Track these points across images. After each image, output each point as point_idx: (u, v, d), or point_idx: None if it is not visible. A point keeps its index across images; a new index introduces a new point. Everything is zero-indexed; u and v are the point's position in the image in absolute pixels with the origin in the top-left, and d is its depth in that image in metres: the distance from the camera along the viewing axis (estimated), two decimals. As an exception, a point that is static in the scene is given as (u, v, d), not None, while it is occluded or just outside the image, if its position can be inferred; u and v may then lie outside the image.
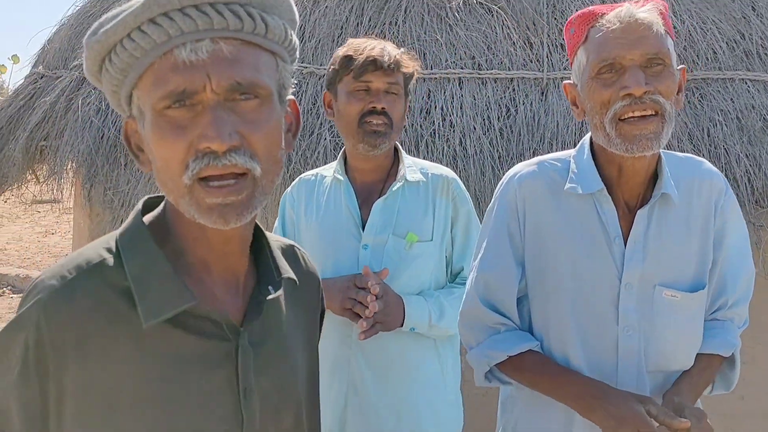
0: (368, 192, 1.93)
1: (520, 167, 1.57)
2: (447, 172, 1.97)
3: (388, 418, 1.85)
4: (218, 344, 0.95)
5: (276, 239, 1.13)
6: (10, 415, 0.90)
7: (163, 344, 0.92)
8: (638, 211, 1.46)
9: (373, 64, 1.80)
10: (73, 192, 4.17)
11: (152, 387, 0.91)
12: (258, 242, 1.05)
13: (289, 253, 1.13)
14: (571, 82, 1.49)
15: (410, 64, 1.88)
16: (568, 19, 1.49)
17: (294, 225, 2.01)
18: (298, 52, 1.01)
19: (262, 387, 0.98)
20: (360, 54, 1.82)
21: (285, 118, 0.99)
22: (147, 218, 1.00)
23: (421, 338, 1.88)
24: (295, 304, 1.09)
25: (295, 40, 0.98)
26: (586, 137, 1.54)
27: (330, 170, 1.99)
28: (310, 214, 1.97)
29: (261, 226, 1.07)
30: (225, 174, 0.88)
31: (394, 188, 1.89)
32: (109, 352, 0.90)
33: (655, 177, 1.47)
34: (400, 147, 1.98)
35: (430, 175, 1.94)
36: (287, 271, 1.04)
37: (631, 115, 1.35)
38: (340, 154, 1.99)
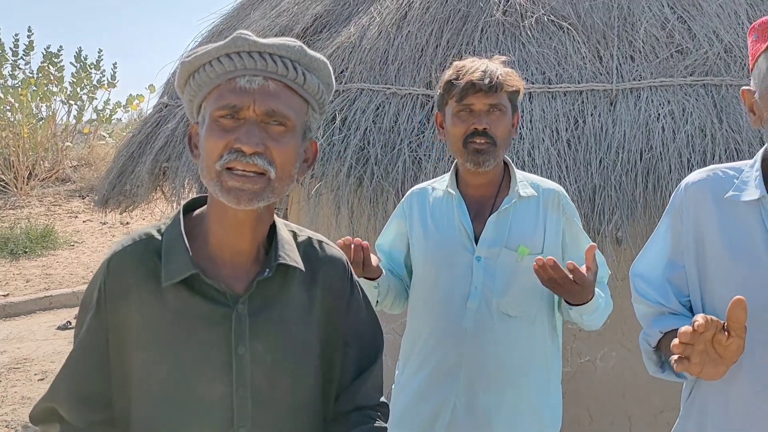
0: (479, 206, 2.00)
1: (693, 174, 1.61)
2: (556, 186, 2.04)
3: (498, 422, 1.94)
4: (219, 308, 1.26)
5: (300, 235, 1.41)
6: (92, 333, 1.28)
7: (178, 300, 1.25)
8: None
9: (474, 87, 1.87)
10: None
11: (166, 330, 1.24)
12: (272, 236, 1.34)
13: (305, 245, 1.40)
14: (749, 88, 1.48)
15: (514, 83, 1.93)
16: (751, 26, 1.49)
17: (403, 235, 2.11)
18: (327, 108, 1.36)
19: (255, 349, 1.26)
20: (462, 78, 1.89)
21: (305, 151, 1.31)
22: (197, 210, 1.36)
23: (531, 347, 1.96)
24: (309, 285, 1.36)
25: (326, 98, 1.32)
26: (762, 148, 1.56)
27: (442, 183, 2.08)
28: (423, 226, 2.05)
29: (281, 224, 1.37)
30: (247, 170, 1.19)
31: (507, 204, 1.96)
32: (142, 299, 1.25)
33: None
34: (510, 162, 2.05)
35: (541, 189, 2.00)
36: (284, 258, 1.31)
37: None
38: (452, 168, 2.07)
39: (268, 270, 1.29)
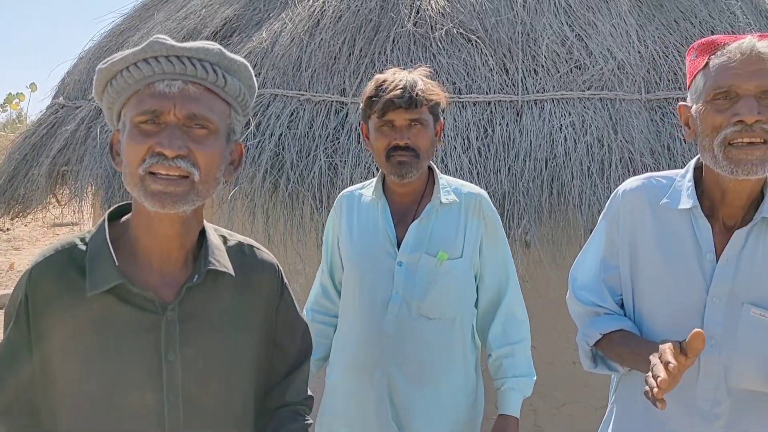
0: (404, 212, 2.06)
1: (629, 182, 1.69)
2: (478, 190, 2.09)
3: (419, 419, 2.01)
4: (149, 316, 1.25)
5: (230, 239, 1.41)
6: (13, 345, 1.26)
7: (105, 310, 1.24)
8: (736, 231, 1.51)
9: (393, 104, 1.90)
10: (92, 213, 4.48)
11: (94, 340, 1.23)
12: (202, 241, 1.35)
13: (235, 250, 1.40)
14: (686, 104, 1.55)
15: (433, 96, 1.96)
16: (691, 46, 1.56)
17: (335, 238, 2.17)
18: (250, 110, 1.36)
19: (185, 354, 1.26)
20: (382, 94, 1.92)
21: (230, 153, 1.32)
22: (124, 217, 1.34)
23: (450, 347, 2.04)
24: (241, 290, 1.36)
25: (249, 100, 1.33)
26: (693, 159, 1.62)
27: (369, 188, 2.13)
28: (349, 229, 2.11)
29: (211, 229, 1.38)
30: (171, 173, 1.19)
31: (429, 211, 2.01)
32: (66, 310, 1.23)
33: (759, 200, 1.53)
34: (435, 168, 2.10)
35: (462, 194, 2.06)
36: (214, 264, 1.31)
37: (740, 140, 1.41)
38: (379, 174, 2.11)
39: (197, 276, 1.29)
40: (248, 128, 3.24)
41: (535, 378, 2.12)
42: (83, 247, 1.27)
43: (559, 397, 3.42)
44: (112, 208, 1.35)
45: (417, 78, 1.97)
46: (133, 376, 1.24)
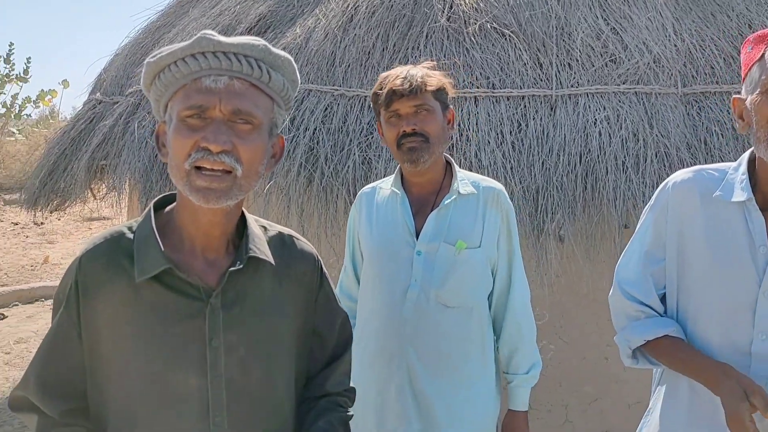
0: (422, 204, 2.09)
1: (678, 174, 1.66)
2: (496, 184, 2.12)
3: (438, 407, 2.04)
4: (193, 302, 1.29)
5: (270, 230, 1.45)
6: (63, 329, 1.30)
7: (152, 296, 1.28)
8: None
9: (396, 94, 1.97)
10: (128, 206, 4.56)
11: (141, 325, 1.27)
12: (243, 231, 1.38)
13: (275, 239, 1.43)
14: (740, 96, 1.53)
15: (433, 82, 2.01)
16: (747, 38, 1.55)
17: (356, 233, 2.22)
18: (292, 104, 1.38)
19: (228, 340, 1.30)
20: (384, 87, 2.01)
21: (272, 147, 1.34)
22: (168, 207, 1.38)
23: (468, 337, 2.07)
24: (281, 279, 1.40)
25: (291, 94, 1.36)
26: (747, 152, 1.60)
27: (388, 183, 2.18)
28: (369, 222, 2.15)
29: (252, 219, 1.41)
30: (215, 169, 1.22)
31: (447, 201, 2.05)
32: (114, 296, 1.28)
33: None
34: (452, 161, 2.14)
35: (481, 187, 2.09)
36: (255, 252, 1.34)
37: None
38: (397, 169, 2.15)
39: (239, 262, 1.32)
40: (283, 123, 3.28)
41: (541, 366, 2.15)
42: (130, 236, 1.31)
43: (591, 392, 3.41)
44: (156, 199, 1.39)
45: (418, 69, 2.04)
46: (178, 360, 1.27)
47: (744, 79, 1.54)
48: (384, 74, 2.07)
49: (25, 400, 1.32)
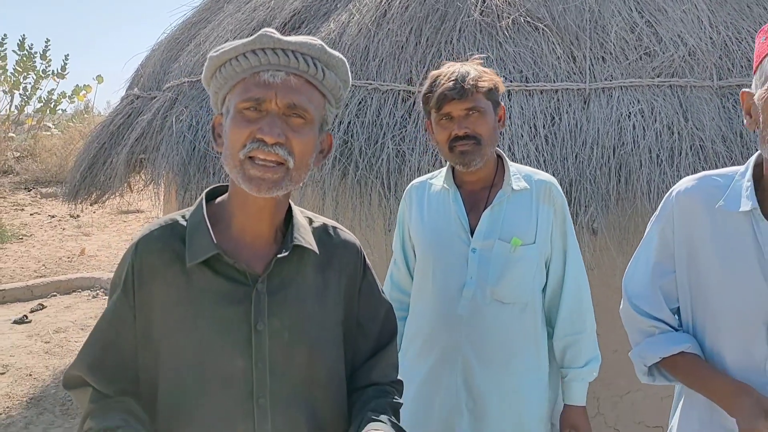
0: (475, 200, 2.09)
1: (683, 182, 1.58)
2: (548, 177, 2.12)
3: (490, 401, 2.05)
4: (240, 287, 1.34)
5: (315, 221, 1.49)
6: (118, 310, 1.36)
7: (202, 281, 1.34)
8: None
9: (446, 97, 1.96)
10: (165, 199, 4.66)
11: (191, 309, 1.33)
12: (289, 221, 1.43)
13: (320, 230, 1.48)
14: (749, 90, 1.44)
15: (485, 83, 1.99)
16: (762, 28, 1.45)
17: (406, 227, 2.22)
18: (343, 102, 1.44)
19: (273, 326, 1.35)
20: (435, 89, 1.99)
21: (321, 142, 1.40)
22: (219, 198, 1.45)
23: (522, 333, 2.07)
24: (324, 268, 1.44)
25: (343, 93, 1.42)
26: (754, 155, 1.51)
27: (439, 178, 2.17)
28: (421, 219, 2.15)
29: (297, 210, 1.46)
30: (269, 159, 1.28)
31: (501, 198, 2.05)
32: (168, 280, 1.34)
33: None
34: (504, 155, 2.13)
35: (533, 181, 2.09)
36: (300, 240, 1.39)
37: None
38: (448, 164, 2.13)
39: (285, 250, 1.37)
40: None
41: (600, 360, 2.14)
42: (184, 223, 1.38)
43: (623, 385, 3.42)
44: (208, 189, 1.46)
45: (469, 68, 2.01)
46: (224, 343, 1.33)
47: (755, 71, 1.43)
48: (435, 73, 2.05)
49: (79, 378, 1.38)
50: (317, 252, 1.42)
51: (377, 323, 1.54)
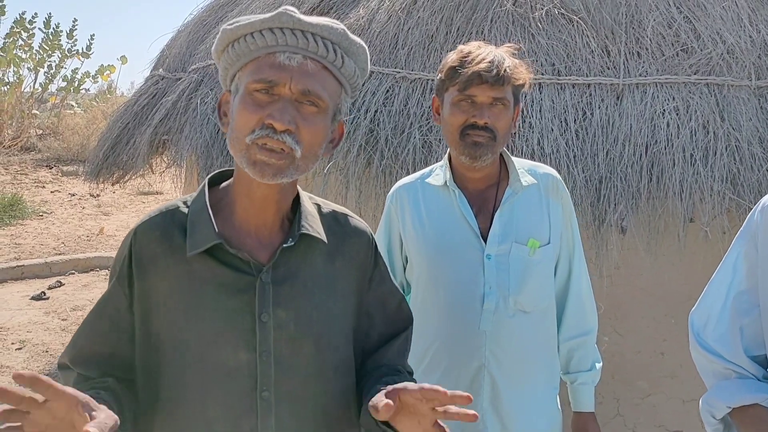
0: (482, 200, 1.89)
1: None
2: (551, 171, 1.95)
3: (516, 414, 1.89)
4: (244, 277, 1.28)
5: (325, 208, 1.42)
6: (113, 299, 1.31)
7: (203, 270, 1.28)
8: None
9: (479, 78, 1.74)
10: (186, 182, 4.64)
11: (192, 299, 1.27)
12: (297, 208, 1.37)
13: (329, 217, 1.41)
14: None
15: (521, 76, 1.81)
16: None
17: (396, 233, 1.99)
18: (358, 91, 1.34)
19: (278, 316, 1.28)
20: (467, 66, 1.76)
21: (332, 132, 1.32)
22: (223, 183, 1.38)
23: (545, 340, 1.93)
24: (333, 257, 1.37)
25: (360, 82, 1.34)
26: None
27: (436, 177, 1.94)
28: (419, 223, 1.92)
29: (305, 197, 1.39)
30: (276, 147, 1.20)
31: (510, 196, 1.87)
32: (167, 269, 1.28)
33: None
34: (505, 150, 1.93)
35: (539, 175, 1.92)
36: (307, 229, 1.32)
37: None
38: (445, 160, 1.94)
39: (291, 239, 1.30)
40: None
41: (601, 361, 2.04)
42: (185, 210, 1.31)
43: (644, 387, 3.36)
44: (211, 174, 1.39)
45: (505, 54, 1.81)
46: (227, 334, 1.27)
47: None
48: (465, 48, 1.82)
49: (65, 365, 1.33)
50: (326, 241, 1.35)
51: (389, 314, 1.46)
